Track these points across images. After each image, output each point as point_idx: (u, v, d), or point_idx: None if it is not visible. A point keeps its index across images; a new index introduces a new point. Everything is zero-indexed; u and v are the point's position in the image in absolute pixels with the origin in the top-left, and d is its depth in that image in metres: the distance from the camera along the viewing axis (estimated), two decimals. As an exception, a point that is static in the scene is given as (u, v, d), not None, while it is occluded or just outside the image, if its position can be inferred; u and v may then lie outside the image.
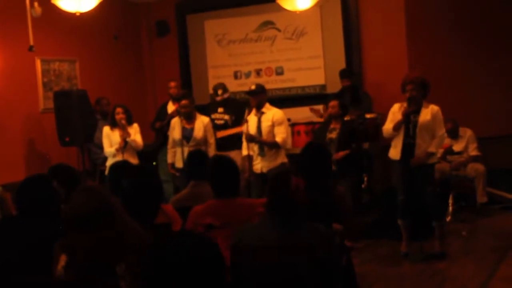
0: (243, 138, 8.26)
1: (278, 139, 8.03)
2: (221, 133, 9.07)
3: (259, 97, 8.19)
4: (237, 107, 9.03)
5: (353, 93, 9.68)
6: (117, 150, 8.37)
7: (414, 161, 7.21)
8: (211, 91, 10.95)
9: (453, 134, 9.46)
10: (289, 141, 8.44)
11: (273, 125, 8.09)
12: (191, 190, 5.68)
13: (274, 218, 3.87)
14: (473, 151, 9.58)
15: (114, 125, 8.52)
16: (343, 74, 9.96)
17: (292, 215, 3.85)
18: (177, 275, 2.30)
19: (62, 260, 3.50)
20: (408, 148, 7.23)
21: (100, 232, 3.36)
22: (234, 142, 8.58)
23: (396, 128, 7.26)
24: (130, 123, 8.55)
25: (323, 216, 4.37)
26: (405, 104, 7.24)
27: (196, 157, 5.99)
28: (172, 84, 10.04)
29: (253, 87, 8.27)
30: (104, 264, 3.33)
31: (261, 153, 8.11)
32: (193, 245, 2.37)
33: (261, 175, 8.02)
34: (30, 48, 8.33)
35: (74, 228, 3.40)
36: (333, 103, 8.16)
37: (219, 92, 9.24)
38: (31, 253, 3.88)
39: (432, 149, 7.21)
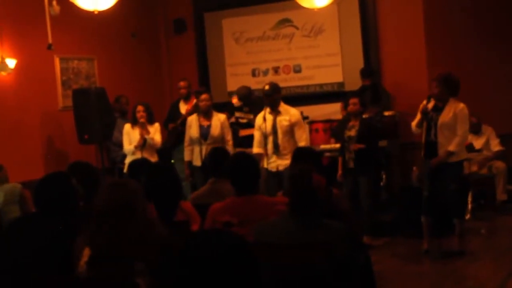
0: (255, 135, 8.29)
1: (303, 144, 8.00)
2: (244, 132, 9.08)
3: (272, 98, 8.13)
4: (262, 107, 8.94)
5: (373, 91, 9.64)
6: (136, 147, 8.39)
7: (433, 162, 7.18)
8: (229, 89, 11.00)
9: (476, 129, 9.41)
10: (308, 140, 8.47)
11: (291, 126, 8.05)
12: (211, 186, 5.68)
13: (295, 216, 3.86)
14: (496, 146, 9.55)
15: (135, 123, 8.53)
16: (364, 73, 9.93)
17: (313, 212, 3.84)
18: (207, 273, 2.14)
19: (85, 255, 3.52)
20: (429, 146, 7.22)
21: (120, 226, 3.40)
22: None
23: (418, 125, 7.27)
24: (151, 121, 8.56)
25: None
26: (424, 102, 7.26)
27: (217, 154, 5.99)
28: (182, 83, 9.91)
29: (266, 87, 8.19)
30: (123, 259, 3.35)
31: (276, 152, 8.09)
32: (222, 241, 2.22)
33: (277, 173, 8.00)
34: (49, 47, 8.36)
35: (96, 220, 3.46)
36: (354, 100, 8.08)
37: (234, 100, 9.42)
38: (50, 250, 3.89)
39: (451, 148, 7.14)
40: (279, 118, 8.08)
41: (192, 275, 2.15)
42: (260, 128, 8.21)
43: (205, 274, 2.14)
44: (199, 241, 2.23)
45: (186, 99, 9.65)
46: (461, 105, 7.20)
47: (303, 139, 8.09)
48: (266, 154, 8.14)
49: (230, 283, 2.16)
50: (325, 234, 3.77)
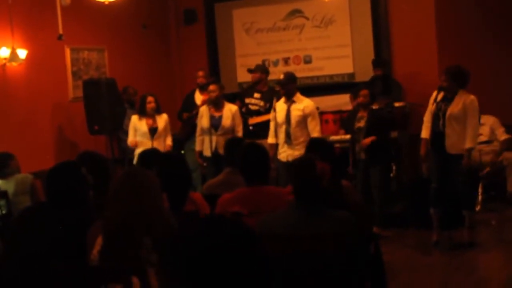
0: (270, 125, 8.29)
1: (315, 136, 7.96)
2: (254, 119, 9.07)
3: (287, 88, 8.13)
4: (273, 95, 8.92)
5: (384, 82, 9.62)
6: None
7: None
8: (239, 80, 10.99)
9: None
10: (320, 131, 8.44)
11: (304, 116, 8.05)
12: (226, 176, 5.68)
13: (300, 206, 3.85)
14: (502, 135, 9.47)
15: (142, 114, 8.55)
16: (376, 63, 9.89)
17: (318, 201, 3.83)
18: (205, 263, 2.01)
19: (98, 244, 3.56)
20: (437, 136, 7.20)
21: (130, 214, 3.48)
22: (268, 129, 8.52)
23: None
24: (158, 112, 8.60)
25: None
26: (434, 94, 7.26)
27: (235, 144, 5.98)
28: (200, 73, 9.97)
29: (281, 76, 8.21)
30: (133, 248, 3.41)
31: (288, 141, 8.09)
32: (226, 230, 2.09)
33: (287, 163, 7.99)
34: (60, 37, 8.38)
35: (107, 208, 3.54)
36: (364, 92, 8.08)
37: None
38: (60, 239, 3.91)
39: (469, 144, 7.09)
40: (292, 108, 8.08)
41: (196, 263, 2.02)
42: (274, 118, 8.23)
43: (209, 262, 2.02)
44: (206, 229, 2.10)
45: (203, 89, 9.64)
46: (471, 97, 7.16)
47: (316, 131, 8.07)
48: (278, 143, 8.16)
49: (236, 273, 2.04)
50: (330, 223, 3.77)
